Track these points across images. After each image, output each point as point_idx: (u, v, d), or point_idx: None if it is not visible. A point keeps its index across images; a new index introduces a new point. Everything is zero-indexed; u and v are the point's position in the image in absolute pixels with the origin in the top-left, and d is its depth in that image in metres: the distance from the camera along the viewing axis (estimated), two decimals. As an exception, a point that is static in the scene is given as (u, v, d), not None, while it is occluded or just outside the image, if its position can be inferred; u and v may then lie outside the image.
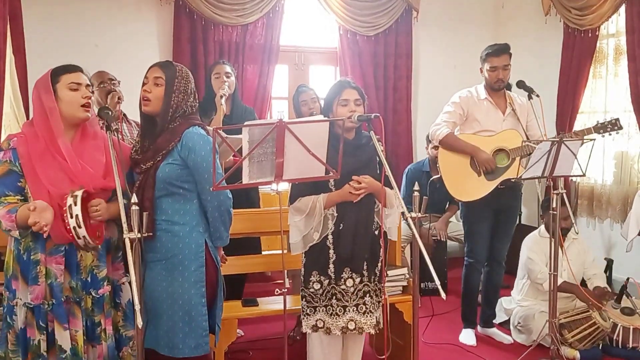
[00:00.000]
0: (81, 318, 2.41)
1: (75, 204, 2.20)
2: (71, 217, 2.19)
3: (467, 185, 3.82)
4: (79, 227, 2.20)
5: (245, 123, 2.19)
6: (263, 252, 4.16)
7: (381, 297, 2.87)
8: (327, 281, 2.76)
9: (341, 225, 2.73)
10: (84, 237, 2.22)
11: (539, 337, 3.67)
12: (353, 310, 2.76)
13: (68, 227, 2.20)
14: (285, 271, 2.68)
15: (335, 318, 2.76)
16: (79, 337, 2.39)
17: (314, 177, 2.37)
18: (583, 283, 4.13)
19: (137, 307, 1.95)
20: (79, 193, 2.23)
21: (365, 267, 2.78)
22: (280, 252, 4.11)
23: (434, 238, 4.94)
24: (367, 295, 2.79)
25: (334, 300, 2.76)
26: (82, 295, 2.41)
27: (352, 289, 2.76)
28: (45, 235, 2.24)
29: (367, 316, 2.78)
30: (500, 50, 3.83)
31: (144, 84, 2.52)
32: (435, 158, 4.97)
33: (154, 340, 2.50)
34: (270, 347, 3.89)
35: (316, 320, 2.78)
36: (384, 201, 2.74)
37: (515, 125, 3.86)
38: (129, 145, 2.67)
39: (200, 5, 5.20)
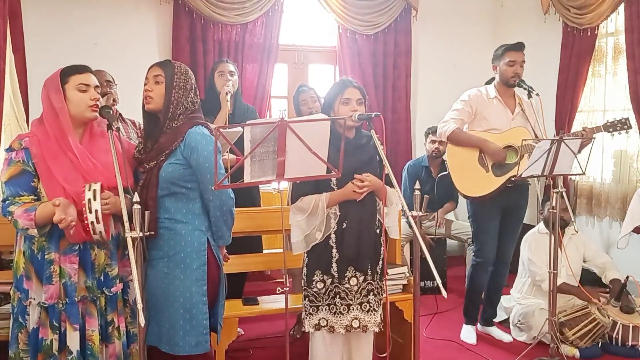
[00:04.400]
0: (97, 317, 2.42)
1: (95, 199, 2.21)
2: (90, 211, 2.19)
3: (475, 181, 3.82)
4: (97, 222, 2.20)
5: (247, 122, 2.20)
6: (263, 251, 4.16)
7: (382, 295, 2.88)
8: (330, 280, 2.76)
9: (344, 224, 2.74)
10: (100, 232, 2.22)
11: (539, 334, 3.68)
12: (357, 309, 2.77)
13: (86, 222, 2.20)
14: (285, 270, 2.68)
15: (339, 317, 2.77)
16: (95, 337, 2.40)
17: (316, 175, 2.38)
18: (584, 278, 4.15)
19: (140, 305, 1.95)
20: (97, 187, 2.23)
21: (369, 266, 2.78)
22: (280, 250, 4.13)
23: (431, 237, 4.94)
24: (371, 293, 2.80)
25: (337, 299, 2.76)
26: (97, 294, 2.43)
27: (355, 288, 2.76)
28: (72, 232, 2.25)
29: (371, 314, 2.80)
30: (520, 46, 3.90)
31: (145, 85, 2.54)
32: (433, 152, 5.02)
33: (156, 337, 2.51)
34: (270, 345, 3.90)
35: (319, 320, 2.78)
36: (384, 199, 2.75)
37: (524, 124, 3.87)
38: (133, 144, 2.68)
39: (200, 4, 5.20)
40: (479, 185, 3.82)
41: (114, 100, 3.65)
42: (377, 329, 2.83)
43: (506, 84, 3.89)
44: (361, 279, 2.77)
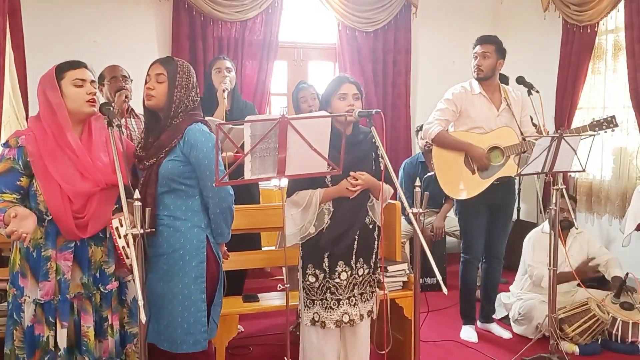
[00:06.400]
0: (92, 314, 2.42)
1: (122, 225, 2.23)
2: (119, 237, 2.23)
3: (461, 183, 3.81)
4: (128, 246, 2.19)
5: (248, 118, 2.19)
6: (263, 248, 4.16)
7: (375, 287, 2.91)
8: (322, 275, 2.78)
9: (336, 219, 2.76)
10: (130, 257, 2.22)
11: (541, 325, 3.70)
12: (346, 304, 2.80)
13: (118, 249, 2.28)
14: (285, 267, 2.69)
15: (330, 312, 2.78)
16: (90, 333, 2.41)
17: (316, 172, 2.38)
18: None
19: (141, 302, 1.95)
20: (123, 216, 2.24)
21: (354, 259, 2.80)
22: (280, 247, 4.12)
23: (431, 233, 4.94)
24: (356, 287, 2.83)
25: (327, 294, 2.79)
26: (93, 290, 2.43)
27: (345, 282, 2.79)
28: (25, 244, 2.27)
29: (357, 308, 2.84)
30: (482, 39, 3.85)
31: (146, 82, 2.53)
32: (425, 146, 5.03)
33: (155, 334, 2.51)
34: (270, 342, 3.90)
35: (313, 314, 2.80)
36: (381, 196, 2.76)
37: (509, 121, 3.84)
38: (134, 143, 2.68)
39: (199, 1, 5.20)
40: (465, 187, 3.80)
41: (126, 97, 3.56)
42: (367, 316, 2.87)
43: (474, 77, 3.88)
44: (349, 273, 2.80)
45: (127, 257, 2.26)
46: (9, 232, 2.17)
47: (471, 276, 4.06)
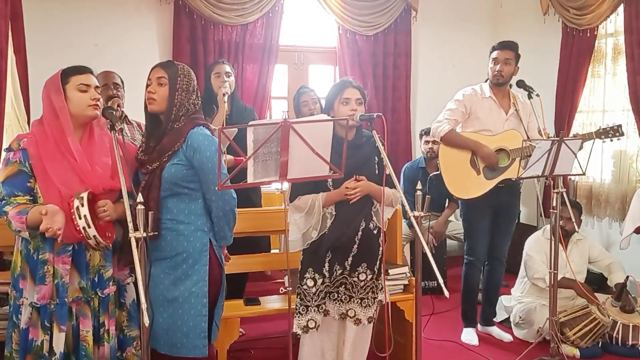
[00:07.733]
0: (91, 318, 2.42)
1: (82, 205, 2.22)
2: (79, 217, 2.21)
3: (466, 183, 3.82)
4: (89, 227, 2.21)
5: (250, 122, 2.20)
6: (271, 251, 4.16)
7: (377, 293, 2.91)
8: (321, 280, 2.79)
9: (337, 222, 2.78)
10: (94, 236, 2.24)
11: (542, 329, 3.70)
12: (347, 304, 2.84)
13: (78, 228, 2.21)
14: (285, 270, 2.71)
15: (332, 307, 2.82)
16: (89, 338, 2.40)
17: (318, 176, 2.39)
18: (586, 279, 4.17)
19: (144, 305, 1.95)
20: (85, 195, 2.25)
21: (354, 263, 2.82)
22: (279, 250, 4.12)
23: (431, 236, 4.95)
24: (357, 292, 2.86)
25: (326, 300, 2.81)
26: (91, 295, 2.43)
27: (343, 287, 2.81)
28: (59, 240, 2.26)
29: (361, 308, 2.86)
30: (504, 45, 3.87)
31: (147, 86, 2.54)
32: (428, 152, 5.03)
33: (154, 338, 2.50)
34: (271, 345, 3.90)
35: (307, 321, 2.80)
36: (383, 200, 2.76)
37: (517, 125, 3.86)
38: (134, 146, 2.69)
39: (200, 5, 5.21)
40: (470, 187, 3.82)
41: (118, 105, 3.57)
42: (367, 322, 2.88)
43: (492, 83, 3.89)
44: (348, 277, 2.83)
45: (89, 238, 2.23)
46: (43, 229, 2.18)
47: (474, 278, 4.06)
